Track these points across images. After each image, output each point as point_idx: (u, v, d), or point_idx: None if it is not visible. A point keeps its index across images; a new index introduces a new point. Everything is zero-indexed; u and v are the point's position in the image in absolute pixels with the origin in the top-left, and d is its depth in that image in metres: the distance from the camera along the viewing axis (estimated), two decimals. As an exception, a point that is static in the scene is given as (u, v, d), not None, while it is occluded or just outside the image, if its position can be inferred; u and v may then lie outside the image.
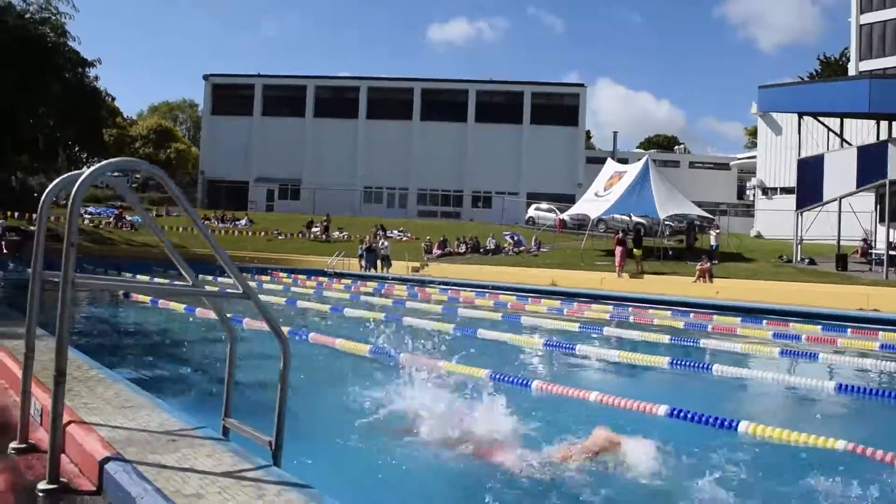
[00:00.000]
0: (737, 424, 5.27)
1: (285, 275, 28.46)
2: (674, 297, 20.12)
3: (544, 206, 48.35)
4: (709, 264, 24.74)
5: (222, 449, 3.07)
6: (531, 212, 48.31)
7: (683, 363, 8.19)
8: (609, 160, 37.34)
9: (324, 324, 12.18)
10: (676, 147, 75.39)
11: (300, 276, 28.09)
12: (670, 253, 30.55)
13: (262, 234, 41.97)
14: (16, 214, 34.56)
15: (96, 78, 37.05)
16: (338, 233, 44.10)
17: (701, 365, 8.14)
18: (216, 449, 3.07)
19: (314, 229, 43.69)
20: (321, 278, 28.08)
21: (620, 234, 27.49)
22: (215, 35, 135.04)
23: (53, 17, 34.01)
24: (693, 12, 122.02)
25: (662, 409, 5.65)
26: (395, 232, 43.76)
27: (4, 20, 32.16)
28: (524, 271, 30.16)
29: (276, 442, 3.16)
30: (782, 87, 34.92)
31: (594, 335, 11.48)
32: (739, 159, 60.91)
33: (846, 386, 7.15)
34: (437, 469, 4.47)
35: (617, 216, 40.25)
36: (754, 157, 64.29)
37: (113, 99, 37.74)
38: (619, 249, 26.81)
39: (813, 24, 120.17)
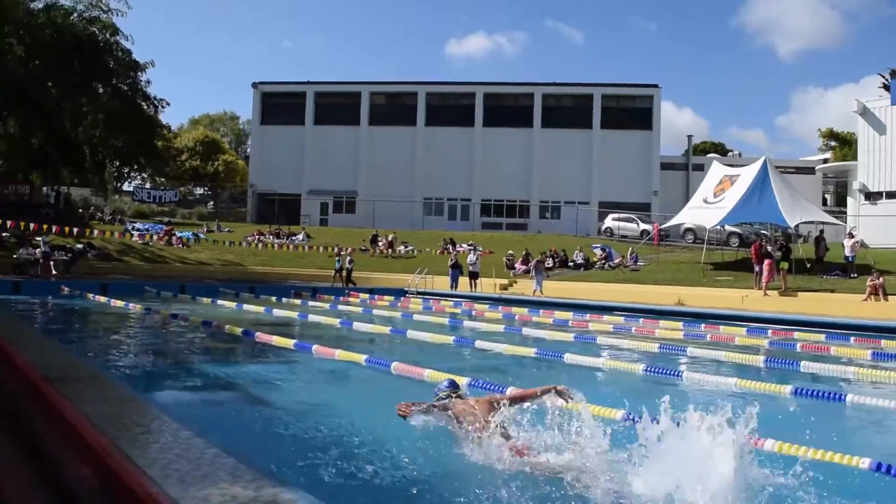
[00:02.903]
0: None
1: (367, 295, 24.93)
2: (868, 322, 16.30)
3: (623, 215, 44.58)
4: (881, 279, 20.81)
5: None
6: (609, 222, 44.55)
7: None
8: (715, 163, 33.53)
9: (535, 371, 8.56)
10: (729, 153, 71.25)
11: (387, 297, 24.54)
12: (808, 266, 26.50)
13: (322, 249, 38.51)
14: (74, 231, 31.18)
15: (148, 82, 33.97)
16: (403, 247, 40.69)
17: None
18: None
19: (379, 244, 40.25)
20: (413, 298, 24.53)
21: (769, 247, 23.55)
22: (250, 47, 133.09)
23: (104, 16, 31.00)
24: (709, 22, 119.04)
25: None
26: (465, 246, 40.22)
27: (51, 18, 29.22)
28: (635, 288, 26.43)
29: None
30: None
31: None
32: (825, 163, 56.46)
33: None
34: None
35: (708, 226, 36.75)
36: (824, 158, 60.26)
37: (167, 104, 34.69)
38: (767, 263, 22.88)
39: (833, 29, 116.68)
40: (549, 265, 34.06)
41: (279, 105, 53.88)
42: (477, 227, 49.26)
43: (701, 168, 54.75)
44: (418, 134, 52.11)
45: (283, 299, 20.12)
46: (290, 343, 8.77)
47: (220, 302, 17.52)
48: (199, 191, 63.53)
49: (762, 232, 37.40)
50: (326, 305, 18.25)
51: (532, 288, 26.77)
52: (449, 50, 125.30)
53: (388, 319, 14.10)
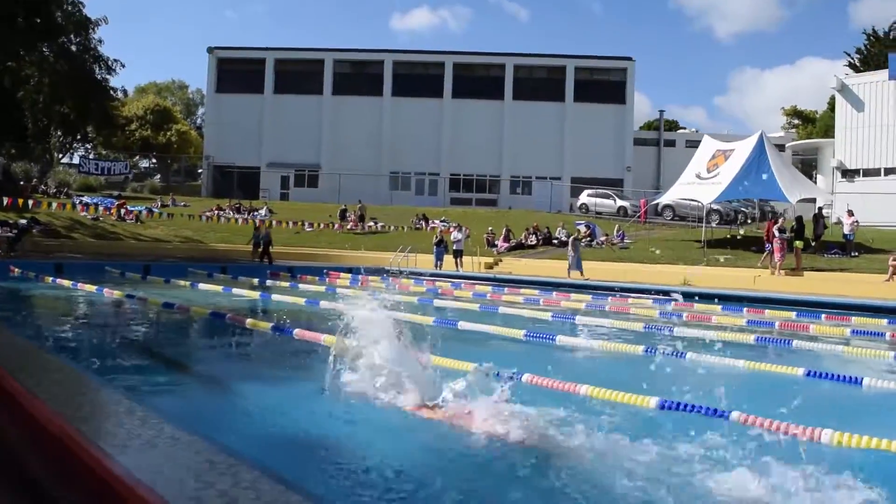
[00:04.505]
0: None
1: (348, 275, 22.84)
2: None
3: (599, 191, 43.21)
4: (904, 259, 19.75)
5: None
6: (584, 198, 43.09)
7: None
8: (706, 137, 32.24)
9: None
10: (680, 130, 70.78)
11: (373, 277, 22.50)
12: (812, 244, 25.41)
13: (287, 224, 36.12)
14: (29, 203, 28.11)
15: (100, 41, 30.71)
16: (372, 223, 38.62)
17: None
18: None
19: (349, 219, 38.13)
20: (396, 279, 22.54)
21: (780, 222, 22.30)
22: (196, 10, 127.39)
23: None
24: (651, 2, 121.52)
25: None
26: (438, 222, 38.41)
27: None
28: (635, 268, 24.97)
29: None
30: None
31: None
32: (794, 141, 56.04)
33: None
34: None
35: (683, 201, 35.73)
36: (780, 136, 59.90)
37: (122, 66, 31.46)
38: (778, 241, 21.66)
39: (770, 13, 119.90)
40: (532, 242, 32.55)
41: (236, 72, 50.79)
42: (445, 202, 47.37)
43: (672, 144, 53.92)
44: (385, 105, 49.79)
45: (268, 281, 17.98)
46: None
47: (201, 286, 15.29)
48: (144, 163, 59.83)
49: (741, 209, 36.54)
50: (322, 288, 16.20)
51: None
52: (393, 24, 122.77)
53: (414, 307, 12.16)
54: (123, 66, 31.29)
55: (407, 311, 12.23)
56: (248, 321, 8.34)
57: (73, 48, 30.03)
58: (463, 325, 9.40)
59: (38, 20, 27.28)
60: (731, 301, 16.42)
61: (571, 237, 25.99)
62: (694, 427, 4.24)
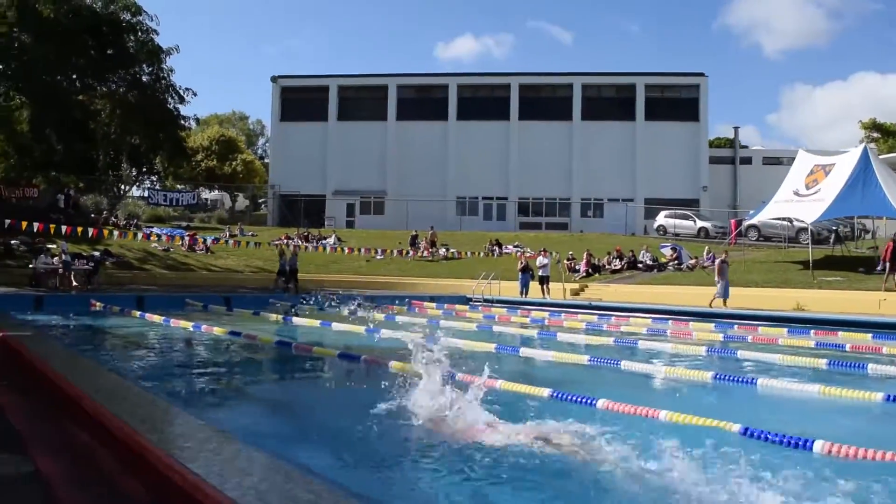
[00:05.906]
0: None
1: (433, 304, 21.65)
2: None
3: (677, 212, 41.45)
4: None
5: None
6: (661, 219, 41.39)
7: None
8: (802, 152, 30.28)
9: None
10: (755, 147, 68.43)
11: (459, 306, 21.26)
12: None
13: (357, 252, 35.14)
14: (116, 235, 27.50)
15: (171, 70, 30.40)
16: (444, 249, 37.50)
17: None
18: None
19: (420, 245, 37.11)
20: (487, 308, 21.24)
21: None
22: (252, 44, 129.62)
23: (124, -8, 27.40)
24: (694, 23, 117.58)
25: None
26: (511, 247, 37.11)
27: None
28: (740, 292, 23.16)
29: None
30: None
31: None
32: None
33: None
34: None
35: (771, 220, 33.78)
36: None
37: (194, 95, 31.11)
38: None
39: (818, 27, 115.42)
40: (617, 266, 30.98)
41: (300, 100, 50.57)
42: (515, 227, 46.07)
43: (748, 162, 51.79)
44: (450, 129, 48.90)
45: (360, 313, 16.89)
46: (543, 392, 5.48)
47: (295, 320, 14.26)
48: (204, 194, 59.88)
49: (832, 227, 34.26)
50: (424, 321, 15.02)
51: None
52: (438, 53, 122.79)
53: (540, 342, 10.86)
54: (195, 94, 31.00)
55: (537, 346, 10.93)
56: (392, 364, 7.13)
57: (145, 78, 29.80)
58: (626, 364, 8.04)
59: (111, 51, 27.05)
60: (874, 328, 14.72)
61: (718, 260, 22.70)
62: None
